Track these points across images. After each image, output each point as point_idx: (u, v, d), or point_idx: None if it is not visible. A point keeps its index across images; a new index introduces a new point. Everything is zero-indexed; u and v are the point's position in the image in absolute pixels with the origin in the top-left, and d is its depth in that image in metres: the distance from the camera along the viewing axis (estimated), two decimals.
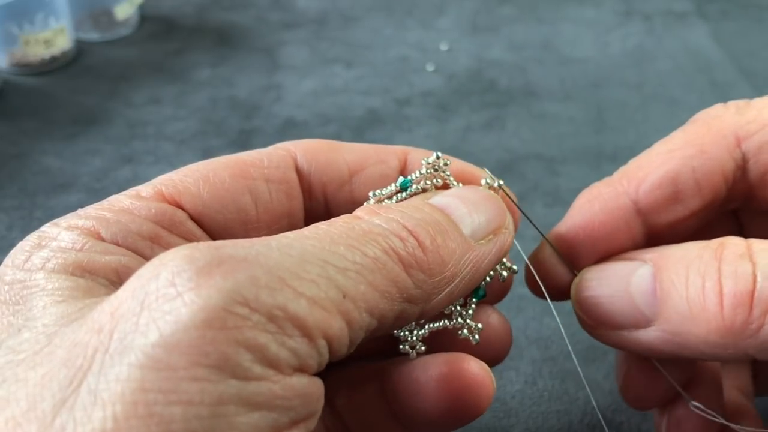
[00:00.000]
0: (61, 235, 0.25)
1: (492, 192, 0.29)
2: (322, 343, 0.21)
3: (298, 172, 0.29)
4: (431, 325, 0.29)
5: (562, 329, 0.32)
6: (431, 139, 0.57)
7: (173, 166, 0.55)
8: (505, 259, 0.30)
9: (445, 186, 0.29)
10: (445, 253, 0.25)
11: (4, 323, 0.22)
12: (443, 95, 0.63)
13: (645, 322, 0.27)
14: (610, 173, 0.54)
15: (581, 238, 0.30)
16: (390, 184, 0.29)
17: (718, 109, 0.31)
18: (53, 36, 0.63)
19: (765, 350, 0.25)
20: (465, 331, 0.29)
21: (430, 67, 0.66)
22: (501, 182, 0.30)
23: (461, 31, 0.72)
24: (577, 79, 0.65)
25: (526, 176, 0.54)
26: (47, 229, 0.25)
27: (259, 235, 0.27)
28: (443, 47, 0.69)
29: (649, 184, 0.30)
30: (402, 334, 0.29)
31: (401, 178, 0.29)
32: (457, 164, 0.30)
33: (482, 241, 0.27)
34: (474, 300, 0.29)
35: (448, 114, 0.60)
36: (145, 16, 0.72)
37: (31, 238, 0.25)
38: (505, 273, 0.30)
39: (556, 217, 0.51)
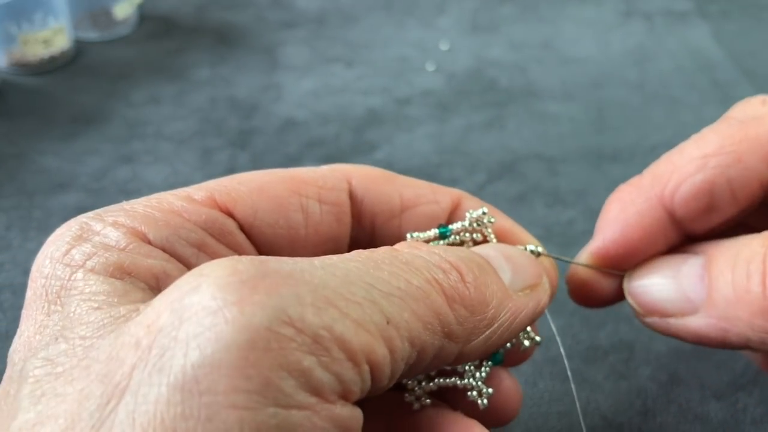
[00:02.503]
0: (105, 231, 0.23)
1: (529, 253, 0.29)
2: (366, 368, 0.20)
3: (352, 198, 0.28)
4: (441, 380, 0.28)
5: (559, 342, 0.32)
6: (431, 139, 0.57)
7: (172, 165, 0.55)
8: (529, 329, 0.29)
9: (484, 242, 0.29)
10: (487, 293, 0.24)
11: (38, 321, 0.22)
12: (443, 95, 0.62)
13: (692, 309, 0.28)
14: (610, 173, 0.54)
15: (621, 252, 0.31)
16: (431, 229, 0.29)
17: (756, 106, 0.30)
18: (52, 35, 0.63)
19: None
20: (474, 393, 0.28)
21: (430, 67, 0.66)
22: (540, 249, 0.30)
23: (461, 30, 0.72)
24: (577, 79, 0.64)
25: (526, 176, 0.54)
26: (91, 221, 0.24)
27: (304, 254, 0.27)
28: (443, 47, 0.69)
29: (684, 196, 0.29)
30: (410, 383, 0.28)
31: (442, 226, 0.29)
32: (501, 223, 0.30)
33: (520, 293, 0.26)
34: (490, 363, 0.29)
35: (448, 114, 0.60)
36: (144, 16, 0.72)
37: (73, 228, 0.24)
38: (527, 342, 0.29)
39: (556, 217, 0.51)
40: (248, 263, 0.20)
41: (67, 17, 0.64)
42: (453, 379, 0.28)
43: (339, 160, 0.55)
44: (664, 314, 0.29)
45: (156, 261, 0.23)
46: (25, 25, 0.62)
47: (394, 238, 0.29)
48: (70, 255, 0.23)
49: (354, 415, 0.20)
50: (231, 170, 0.54)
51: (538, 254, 0.30)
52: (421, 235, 0.29)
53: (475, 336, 0.24)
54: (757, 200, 0.29)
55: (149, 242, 0.24)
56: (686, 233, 0.31)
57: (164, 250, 0.24)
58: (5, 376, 0.22)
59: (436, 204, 0.29)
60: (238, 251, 0.26)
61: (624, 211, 0.31)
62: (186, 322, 0.18)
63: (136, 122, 0.59)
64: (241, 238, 0.26)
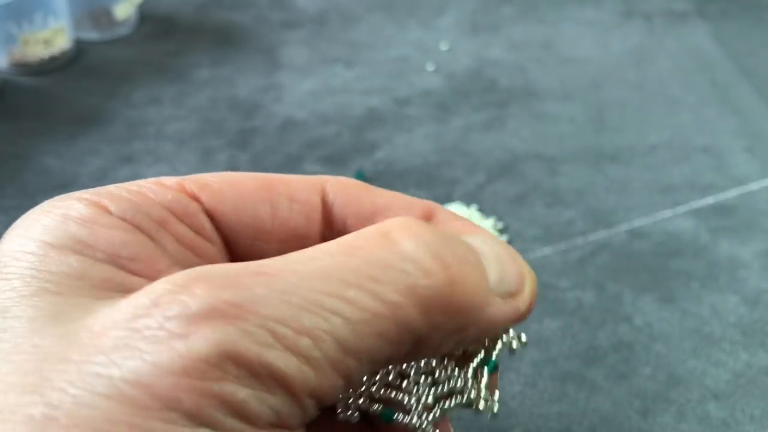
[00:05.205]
0: (69, 203, 0.24)
1: (517, 254, 0.27)
2: (309, 402, 0.20)
3: (324, 201, 0.29)
4: (444, 406, 0.26)
5: None
6: (431, 139, 0.57)
7: (173, 166, 0.55)
8: (512, 330, 0.28)
9: None
10: (470, 299, 0.23)
11: None
12: (443, 95, 0.63)
13: None
14: (610, 173, 0.54)
15: None
16: None
17: None
18: (52, 35, 0.63)
19: None
20: (482, 403, 0.26)
21: (430, 67, 0.66)
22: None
23: (461, 30, 0.72)
24: (577, 79, 0.64)
25: (525, 176, 0.54)
26: (60, 198, 0.25)
27: (269, 247, 0.27)
28: (443, 47, 0.69)
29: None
30: (411, 422, 0.26)
31: None
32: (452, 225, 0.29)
33: (499, 300, 0.25)
34: (486, 372, 0.27)
35: (448, 114, 0.60)
36: (144, 16, 0.72)
37: (41, 206, 0.25)
38: (515, 344, 0.27)
39: (556, 217, 0.51)
40: (203, 292, 0.20)
41: (67, 17, 0.64)
42: (455, 400, 0.26)
43: (339, 160, 0.55)
44: None
45: (116, 231, 0.24)
46: (25, 25, 0.62)
47: None
48: (30, 230, 0.24)
49: None
50: (231, 170, 0.54)
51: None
52: None
53: (444, 342, 0.23)
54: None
55: (111, 214, 0.25)
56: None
57: (125, 221, 0.25)
58: None
59: (407, 212, 0.29)
60: (200, 232, 0.27)
61: None
62: (129, 345, 0.19)
63: (137, 122, 0.59)
64: (203, 219, 0.27)
